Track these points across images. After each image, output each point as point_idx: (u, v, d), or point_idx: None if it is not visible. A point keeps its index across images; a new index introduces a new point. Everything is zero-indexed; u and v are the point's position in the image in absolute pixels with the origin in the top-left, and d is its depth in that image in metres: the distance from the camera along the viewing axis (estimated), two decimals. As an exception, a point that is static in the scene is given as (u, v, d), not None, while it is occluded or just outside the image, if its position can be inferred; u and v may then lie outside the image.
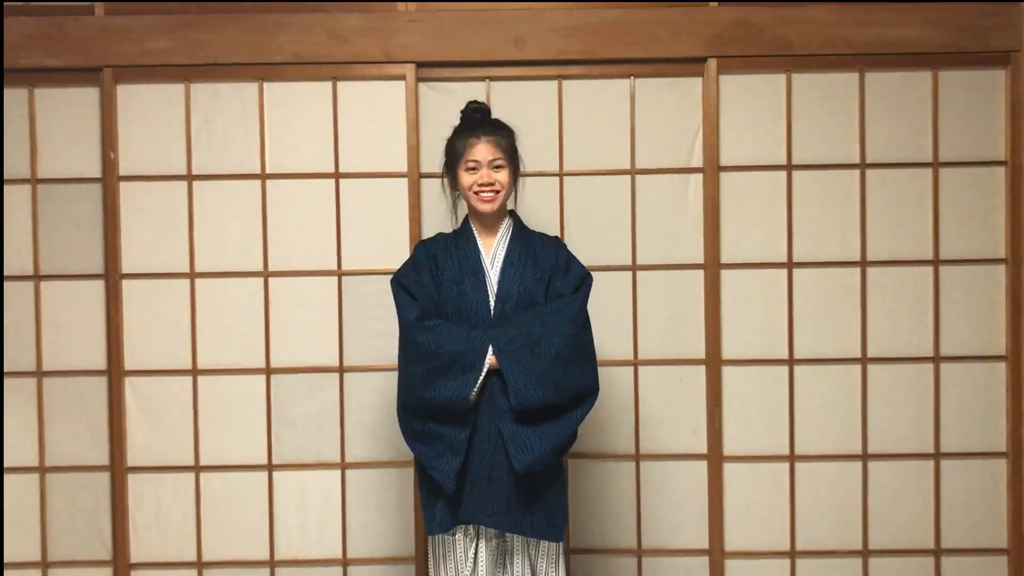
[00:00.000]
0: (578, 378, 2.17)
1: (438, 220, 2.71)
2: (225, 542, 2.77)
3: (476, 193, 2.22)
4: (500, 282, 2.23)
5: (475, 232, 2.29)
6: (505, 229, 2.30)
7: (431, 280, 2.25)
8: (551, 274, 2.25)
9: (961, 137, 2.75)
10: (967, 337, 2.76)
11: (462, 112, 2.31)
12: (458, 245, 2.29)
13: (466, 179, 2.24)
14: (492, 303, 2.23)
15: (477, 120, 2.27)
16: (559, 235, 2.74)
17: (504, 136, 2.26)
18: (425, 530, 2.28)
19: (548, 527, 2.19)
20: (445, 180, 2.33)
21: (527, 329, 2.15)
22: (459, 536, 2.20)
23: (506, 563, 2.24)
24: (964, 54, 2.72)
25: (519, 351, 2.12)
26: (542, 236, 2.35)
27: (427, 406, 2.15)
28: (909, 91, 2.75)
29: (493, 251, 2.27)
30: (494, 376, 2.15)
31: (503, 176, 2.23)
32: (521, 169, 2.33)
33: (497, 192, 2.22)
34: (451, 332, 2.16)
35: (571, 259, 2.30)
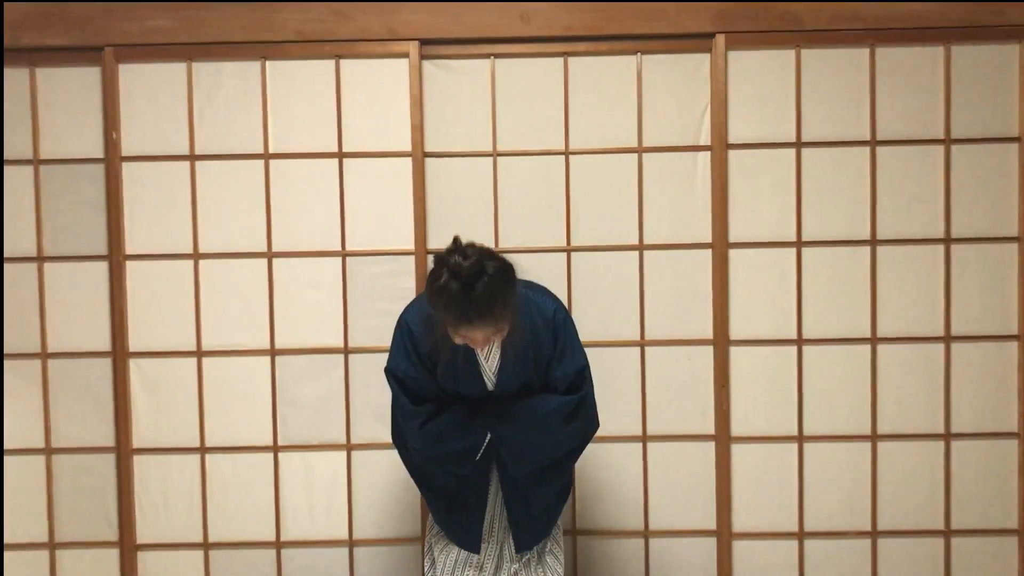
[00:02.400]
0: (576, 442, 2.19)
1: (443, 199, 2.69)
2: (231, 523, 2.76)
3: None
4: (498, 380, 2.11)
5: None
6: None
7: (426, 373, 2.10)
8: (549, 362, 2.11)
9: (973, 113, 2.71)
10: (978, 317, 2.73)
11: (436, 274, 1.84)
12: (447, 341, 1.99)
13: (459, 339, 1.94)
14: (490, 387, 2.14)
15: (461, 296, 1.82)
16: (565, 213, 2.71)
17: (498, 316, 1.87)
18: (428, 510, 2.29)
19: (543, 532, 2.25)
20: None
21: (522, 426, 2.09)
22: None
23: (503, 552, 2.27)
24: (977, 28, 2.67)
25: (515, 447, 2.12)
26: (541, 310, 2.09)
27: (427, 477, 2.22)
28: (920, 66, 2.71)
29: (488, 351, 2.09)
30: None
31: (500, 338, 1.99)
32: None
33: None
34: (451, 431, 2.10)
35: (567, 344, 2.09)
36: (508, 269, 1.88)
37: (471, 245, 1.88)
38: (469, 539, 2.21)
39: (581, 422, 2.14)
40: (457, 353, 2.05)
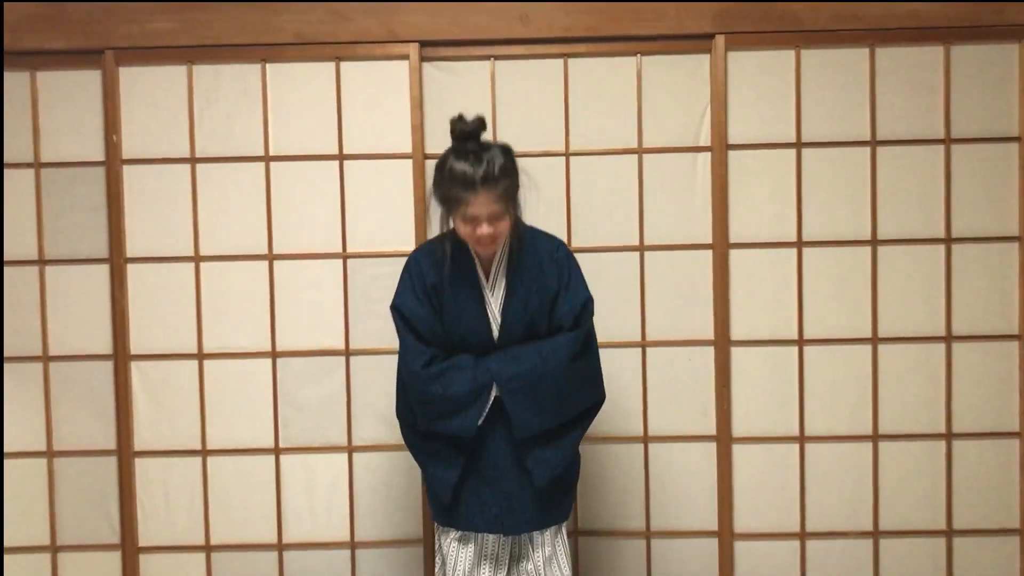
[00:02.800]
0: (582, 401, 2.19)
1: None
2: (233, 525, 2.77)
3: (476, 240, 2.09)
4: (503, 313, 2.16)
5: (473, 257, 2.17)
6: (504, 252, 2.17)
7: (432, 312, 2.16)
8: (555, 297, 2.17)
9: (973, 113, 2.71)
10: (979, 316, 2.73)
11: (452, 135, 2.06)
12: (454, 272, 2.15)
13: (463, 229, 2.07)
14: (495, 331, 2.17)
15: (471, 152, 2.02)
16: (566, 214, 2.71)
17: (502, 182, 2.02)
18: (431, 515, 2.28)
19: (555, 514, 2.21)
20: (435, 203, 2.11)
21: (528, 365, 2.11)
22: (460, 536, 2.23)
23: (512, 547, 2.24)
24: (977, 28, 2.67)
25: (521, 390, 2.11)
26: (546, 244, 2.21)
27: (430, 434, 2.18)
28: (921, 66, 2.71)
29: (493, 277, 2.17)
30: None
31: (503, 224, 2.07)
32: (525, 184, 2.14)
33: (497, 238, 2.08)
34: (456, 375, 2.12)
35: (572, 277, 2.18)
36: (509, 148, 2.08)
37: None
38: (476, 520, 2.17)
39: (587, 369, 2.17)
40: (462, 285, 2.12)
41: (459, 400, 2.12)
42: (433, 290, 2.16)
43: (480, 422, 2.14)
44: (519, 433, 2.12)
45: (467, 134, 2.03)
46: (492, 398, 2.13)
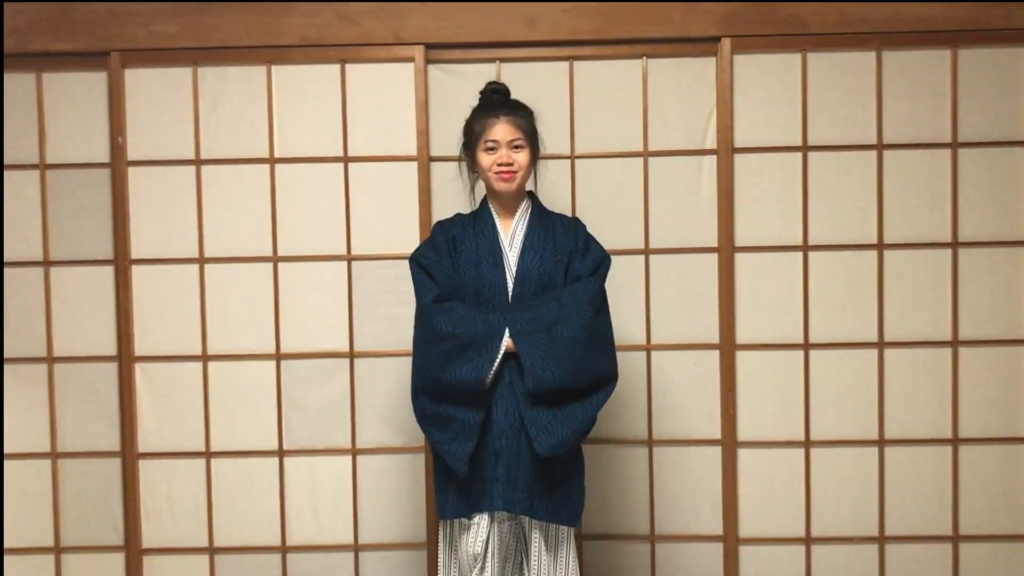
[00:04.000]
0: (596, 363, 2.16)
1: (448, 204, 2.68)
2: (237, 528, 2.76)
3: (495, 173, 2.21)
4: (519, 264, 2.22)
5: (493, 213, 2.28)
6: (524, 210, 2.29)
7: (449, 261, 2.24)
8: (570, 255, 2.24)
9: (980, 117, 2.70)
10: (986, 321, 2.72)
11: (481, 92, 2.29)
12: (476, 226, 2.27)
13: (484, 159, 2.22)
14: (510, 285, 2.21)
15: (497, 100, 2.25)
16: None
17: (524, 116, 2.24)
18: (437, 514, 2.26)
19: (565, 511, 2.18)
20: (463, 162, 2.31)
21: (544, 311, 2.14)
22: (474, 520, 2.17)
23: (519, 547, 2.23)
24: (984, 31, 2.66)
25: (536, 333, 2.11)
26: (561, 217, 2.35)
27: (442, 388, 2.14)
28: (927, 70, 2.70)
29: (512, 232, 2.26)
30: (512, 361, 2.13)
31: (522, 157, 2.22)
32: (541, 151, 2.32)
33: (515, 172, 2.21)
34: (468, 314, 2.15)
35: (590, 240, 2.29)
36: (534, 114, 2.29)
37: None
38: (483, 499, 2.14)
39: (604, 328, 2.20)
40: (481, 236, 2.23)
41: (469, 340, 2.11)
42: (453, 242, 2.25)
43: (492, 374, 2.10)
44: (532, 384, 2.08)
45: (495, 90, 2.27)
46: (504, 347, 2.10)
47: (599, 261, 2.25)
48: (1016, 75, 2.69)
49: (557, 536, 2.22)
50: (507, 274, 2.22)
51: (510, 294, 2.20)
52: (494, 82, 2.31)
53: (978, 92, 2.69)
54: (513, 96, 2.30)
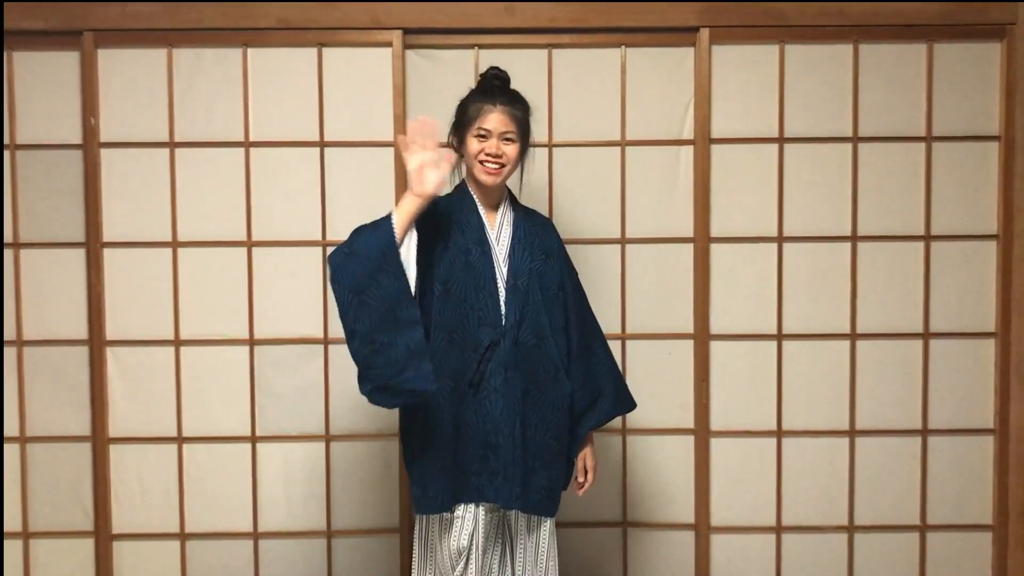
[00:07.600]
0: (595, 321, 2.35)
1: (425, 190, 2.66)
2: (208, 513, 2.75)
3: (481, 163, 2.12)
4: (511, 259, 2.16)
5: (477, 203, 2.18)
6: (507, 205, 2.22)
7: (424, 221, 2.05)
8: (555, 256, 2.23)
9: (955, 111, 2.72)
10: (957, 313, 2.75)
11: (482, 75, 2.20)
12: (461, 212, 2.17)
13: (473, 146, 2.12)
14: (501, 278, 2.14)
15: (496, 87, 2.16)
16: (548, 206, 2.71)
17: (520, 109, 2.15)
18: (412, 509, 2.23)
19: (547, 502, 2.18)
20: (451, 140, 2.19)
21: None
22: (457, 513, 2.13)
23: (504, 538, 2.22)
24: (960, 26, 2.68)
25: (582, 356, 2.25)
26: (536, 214, 2.30)
27: (362, 300, 1.97)
28: (903, 63, 2.71)
29: (498, 226, 2.19)
30: (508, 355, 2.09)
31: (512, 150, 2.12)
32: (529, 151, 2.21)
33: (503, 166, 2.12)
34: (358, 231, 2.02)
35: (563, 245, 2.30)
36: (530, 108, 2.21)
37: None
38: (475, 490, 2.11)
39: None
40: (468, 227, 2.14)
41: (361, 237, 2.00)
42: (437, 217, 2.11)
43: (399, 234, 1.97)
44: (625, 408, 2.32)
45: (496, 75, 2.18)
46: (394, 216, 1.97)
47: (573, 269, 2.31)
48: (989, 70, 2.71)
49: (540, 524, 2.22)
50: (495, 267, 2.15)
51: (501, 287, 2.14)
52: (495, 67, 2.20)
53: (953, 86, 2.71)
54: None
